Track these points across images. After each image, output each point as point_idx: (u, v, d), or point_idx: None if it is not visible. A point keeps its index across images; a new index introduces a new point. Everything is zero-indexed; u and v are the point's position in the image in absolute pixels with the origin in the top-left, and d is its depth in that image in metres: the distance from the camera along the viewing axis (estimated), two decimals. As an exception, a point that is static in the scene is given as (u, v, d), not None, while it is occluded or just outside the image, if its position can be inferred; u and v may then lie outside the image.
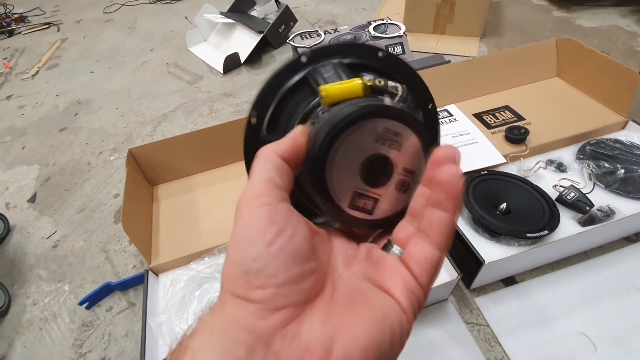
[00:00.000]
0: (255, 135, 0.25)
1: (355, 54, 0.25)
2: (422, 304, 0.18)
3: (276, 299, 0.15)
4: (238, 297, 0.15)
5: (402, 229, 0.19)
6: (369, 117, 0.18)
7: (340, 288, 0.18)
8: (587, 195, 0.56)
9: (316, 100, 0.23)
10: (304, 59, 0.25)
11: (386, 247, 0.19)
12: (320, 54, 0.25)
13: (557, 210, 0.54)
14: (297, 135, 0.19)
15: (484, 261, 0.49)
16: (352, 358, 0.14)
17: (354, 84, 0.21)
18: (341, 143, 0.18)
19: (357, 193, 0.20)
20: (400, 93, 0.21)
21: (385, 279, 0.17)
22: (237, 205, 0.17)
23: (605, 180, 0.59)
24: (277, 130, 0.25)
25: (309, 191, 0.21)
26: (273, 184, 0.17)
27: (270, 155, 0.18)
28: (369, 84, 0.21)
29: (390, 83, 0.21)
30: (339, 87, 0.20)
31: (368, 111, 0.19)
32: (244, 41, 1.17)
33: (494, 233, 0.52)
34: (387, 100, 0.20)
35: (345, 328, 0.15)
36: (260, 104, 0.25)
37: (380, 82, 0.21)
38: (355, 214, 0.20)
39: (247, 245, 0.15)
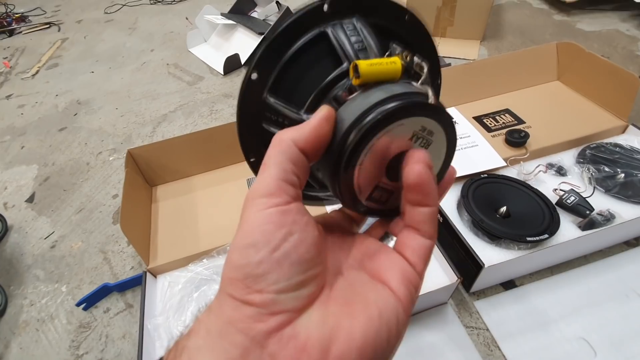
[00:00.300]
0: (254, 93, 0.21)
1: (383, 13, 0.22)
2: (419, 290, 0.18)
3: (274, 304, 0.15)
4: (236, 300, 0.15)
5: (397, 223, 0.20)
6: (412, 115, 0.17)
7: (338, 286, 0.17)
8: (587, 199, 0.55)
9: (340, 71, 0.20)
10: (327, 8, 0.20)
11: (383, 239, 0.20)
12: (345, 6, 0.21)
13: (557, 214, 0.54)
14: (321, 123, 0.17)
15: (484, 265, 0.48)
16: (349, 358, 0.15)
17: (394, 67, 0.18)
18: (378, 139, 0.17)
19: (377, 186, 0.19)
20: (425, 73, 0.19)
21: (382, 269, 0.18)
22: (245, 201, 0.16)
23: (605, 184, 0.58)
24: (281, 93, 0.21)
25: (327, 181, 0.20)
26: (286, 181, 0.16)
27: (287, 145, 0.17)
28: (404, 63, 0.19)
29: (416, 59, 0.19)
30: (378, 67, 0.18)
31: (414, 108, 0.17)
32: (245, 42, 1.17)
33: (493, 237, 0.52)
34: (430, 95, 0.17)
35: (342, 328, 0.15)
36: (265, 57, 0.21)
37: (407, 56, 0.19)
38: (369, 205, 0.20)
39: (250, 250, 0.15)
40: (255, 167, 0.24)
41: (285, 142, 0.17)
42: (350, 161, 0.17)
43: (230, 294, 0.15)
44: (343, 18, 0.21)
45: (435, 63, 0.25)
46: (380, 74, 0.18)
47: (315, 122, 0.17)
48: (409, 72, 0.19)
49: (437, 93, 0.26)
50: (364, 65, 0.17)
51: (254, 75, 0.21)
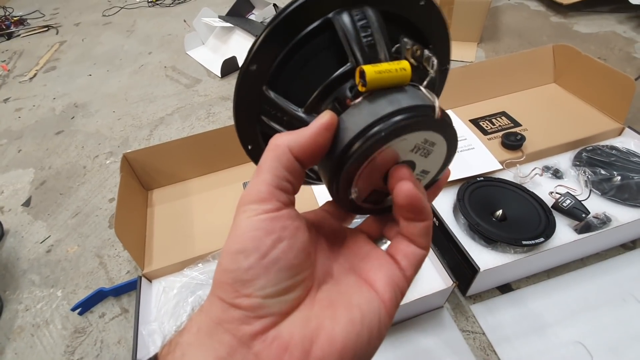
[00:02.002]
0: (252, 84, 0.20)
1: None
2: (404, 294, 0.19)
3: (261, 308, 0.15)
4: (225, 302, 0.16)
5: (392, 227, 0.21)
6: (417, 131, 0.17)
7: (325, 287, 0.18)
8: (583, 202, 0.55)
9: (345, 70, 0.19)
10: None
11: (378, 241, 0.20)
12: None
13: (553, 217, 0.53)
14: (321, 131, 0.16)
15: (480, 269, 0.48)
16: (329, 359, 0.15)
17: (404, 74, 0.17)
18: (379, 152, 0.17)
19: (374, 190, 0.20)
20: (432, 71, 0.18)
21: (371, 271, 0.18)
22: (237, 206, 0.17)
23: (602, 187, 0.58)
24: (281, 87, 0.20)
25: (324, 182, 0.19)
26: (279, 188, 0.16)
27: (283, 152, 0.16)
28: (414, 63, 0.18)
29: (426, 53, 0.18)
30: (387, 75, 0.17)
31: (419, 125, 0.16)
32: (242, 45, 1.17)
33: (489, 240, 0.52)
34: (436, 105, 0.17)
35: (324, 330, 0.16)
36: (265, 47, 0.19)
37: (417, 51, 0.18)
38: (364, 206, 0.20)
39: (240, 256, 0.15)
40: (252, 155, 0.24)
41: (280, 148, 0.16)
42: (350, 172, 0.17)
43: (219, 297, 0.16)
44: (352, 4, 0.19)
45: (447, 49, 0.24)
46: (388, 82, 0.17)
47: (314, 130, 0.16)
48: (417, 68, 0.18)
49: (443, 79, 0.25)
50: (371, 72, 0.16)
51: (253, 67, 0.19)
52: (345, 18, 0.18)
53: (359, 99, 0.17)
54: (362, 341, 0.16)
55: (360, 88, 0.17)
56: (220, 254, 0.17)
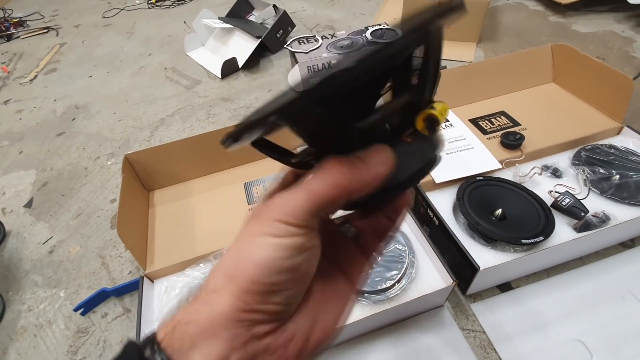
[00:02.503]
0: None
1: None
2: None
3: (281, 313, 0.17)
4: (247, 305, 0.16)
5: (361, 220, 0.23)
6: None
7: (317, 281, 0.20)
8: (582, 201, 0.56)
9: (404, 100, 0.18)
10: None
11: (343, 227, 0.23)
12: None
13: (553, 216, 0.54)
14: (381, 178, 0.17)
15: (480, 267, 0.49)
16: (322, 344, 0.19)
17: (442, 118, 0.18)
18: None
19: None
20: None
21: (346, 263, 0.22)
22: (269, 212, 0.17)
23: (601, 186, 0.59)
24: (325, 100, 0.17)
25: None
26: (315, 216, 0.17)
27: (337, 193, 0.17)
28: None
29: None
30: (444, 115, 0.18)
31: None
32: (242, 46, 1.18)
33: (489, 239, 0.52)
34: (439, 148, 0.20)
35: (320, 321, 0.19)
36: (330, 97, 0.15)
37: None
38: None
39: (273, 271, 0.16)
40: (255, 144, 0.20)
41: (340, 187, 0.17)
42: (385, 204, 0.21)
43: (243, 300, 0.16)
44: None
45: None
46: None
47: (376, 176, 0.17)
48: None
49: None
50: (442, 119, 0.18)
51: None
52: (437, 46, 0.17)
53: (412, 139, 0.18)
54: (342, 324, 0.20)
55: (424, 132, 0.18)
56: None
